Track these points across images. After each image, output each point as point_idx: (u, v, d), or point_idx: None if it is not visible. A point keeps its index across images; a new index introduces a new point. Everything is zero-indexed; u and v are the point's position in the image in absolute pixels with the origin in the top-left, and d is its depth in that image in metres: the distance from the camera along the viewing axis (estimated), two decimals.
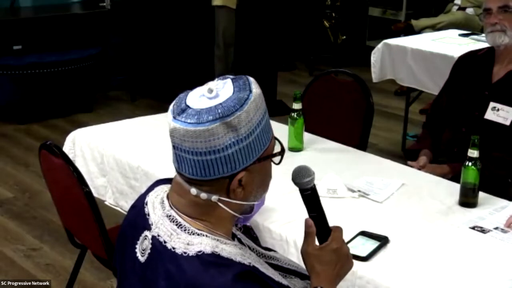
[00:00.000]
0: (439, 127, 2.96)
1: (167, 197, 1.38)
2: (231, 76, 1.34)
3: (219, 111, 1.24)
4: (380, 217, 2.13)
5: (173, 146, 1.31)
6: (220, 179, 1.29)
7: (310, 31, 7.43)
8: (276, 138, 1.38)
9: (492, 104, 2.74)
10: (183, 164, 1.30)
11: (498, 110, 2.72)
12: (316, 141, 2.81)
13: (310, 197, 1.44)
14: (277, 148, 1.38)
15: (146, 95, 6.10)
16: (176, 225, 1.31)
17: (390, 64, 4.72)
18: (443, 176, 2.58)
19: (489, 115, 2.74)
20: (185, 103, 1.29)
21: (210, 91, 1.28)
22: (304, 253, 1.44)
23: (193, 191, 1.31)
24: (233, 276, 1.23)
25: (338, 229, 1.46)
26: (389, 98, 6.11)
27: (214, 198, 1.31)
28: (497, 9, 2.70)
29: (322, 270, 1.41)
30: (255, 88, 1.30)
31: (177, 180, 1.35)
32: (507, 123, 2.69)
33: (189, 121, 1.25)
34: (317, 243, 1.44)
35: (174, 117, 1.28)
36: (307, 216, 1.45)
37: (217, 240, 1.29)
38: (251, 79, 1.33)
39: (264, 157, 1.32)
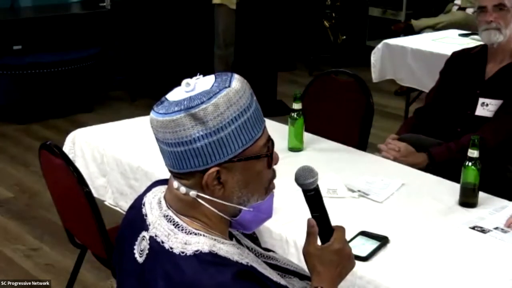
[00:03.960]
0: (430, 119, 2.95)
1: (164, 198, 1.38)
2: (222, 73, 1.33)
3: (185, 102, 1.25)
4: (380, 217, 2.13)
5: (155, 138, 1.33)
6: (194, 173, 1.27)
7: (310, 31, 7.42)
8: (270, 139, 1.34)
9: (481, 100, 2.75)
10: (163, 156, 1.32)
11: (487, 105, 2.73)
12: (316, 141, 2.81)
13: (314, 198, 1.43)
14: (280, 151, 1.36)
15: (146, 95, 6.09)
16: (173, 225, 1.31)
17: (390, 64, 4.71)
18: (417, 165, 2.59)
19: (479, 111, 2.75)
20: (165, 96, 1.31)
21: (188, 84, 1.28)
22: (306, 252, 1.44)
23: (175, 184, 1.31)
24: (232, 275, 1.22)
25: (341, 229, 1.45)
26: (389, 98, 6.10)
27: (192, 193, 1.30)
28: (492, 7, 2.70)
29: (323, 270, 1.41)
30: (236, 85, 1.26)
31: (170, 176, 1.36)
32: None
33: (160, 111, 1.27)
34: (319, 242, 1.43)
35: (152, 108, 1.30)
36: (308, 216, 1.44)
37: (215, 239, 1.29)
38: (236, 76, 1.30)
39: (247, 157, 1.28)
